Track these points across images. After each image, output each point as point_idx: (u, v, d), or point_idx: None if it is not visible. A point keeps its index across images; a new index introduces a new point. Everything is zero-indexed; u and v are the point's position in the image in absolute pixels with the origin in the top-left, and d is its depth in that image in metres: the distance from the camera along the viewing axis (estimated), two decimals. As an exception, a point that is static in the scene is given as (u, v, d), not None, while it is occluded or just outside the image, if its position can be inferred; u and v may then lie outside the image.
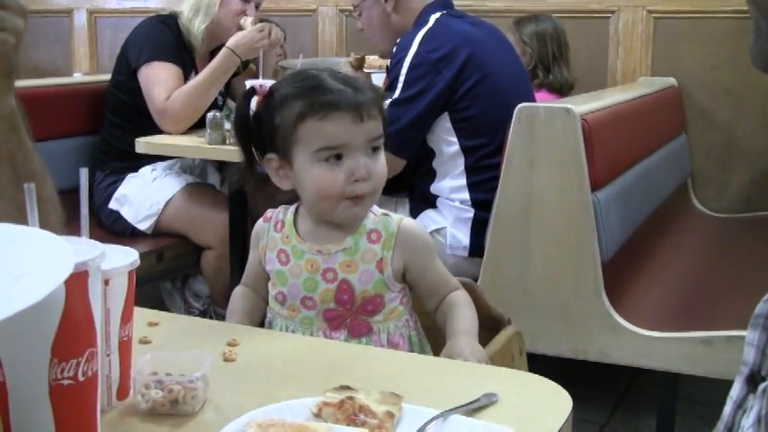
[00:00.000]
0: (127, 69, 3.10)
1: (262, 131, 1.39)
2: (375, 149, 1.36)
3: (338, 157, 1.33)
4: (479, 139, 2.58)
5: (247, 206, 2.85)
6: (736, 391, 0.82)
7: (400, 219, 1.41)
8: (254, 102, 1.44)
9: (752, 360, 0.81)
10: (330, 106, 1.32)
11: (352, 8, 2.92)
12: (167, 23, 3.13)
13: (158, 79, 3.01)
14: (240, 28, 3.11)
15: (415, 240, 1.40)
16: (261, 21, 3.32)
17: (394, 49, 2.65)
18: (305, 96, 1.34)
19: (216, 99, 3.15)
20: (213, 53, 3.17)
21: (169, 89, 2.99)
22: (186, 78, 3.11)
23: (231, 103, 3.41)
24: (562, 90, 3.43)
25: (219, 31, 3.14)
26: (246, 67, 3.38)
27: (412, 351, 1.41)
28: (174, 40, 3.11)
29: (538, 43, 3.39)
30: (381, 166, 1.37)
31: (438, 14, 2.65)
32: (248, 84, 2.88)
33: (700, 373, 2.30)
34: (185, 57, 3.15)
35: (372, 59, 3.11)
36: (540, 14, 3.50)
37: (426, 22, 2.63)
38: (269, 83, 1.43)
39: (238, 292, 1.51)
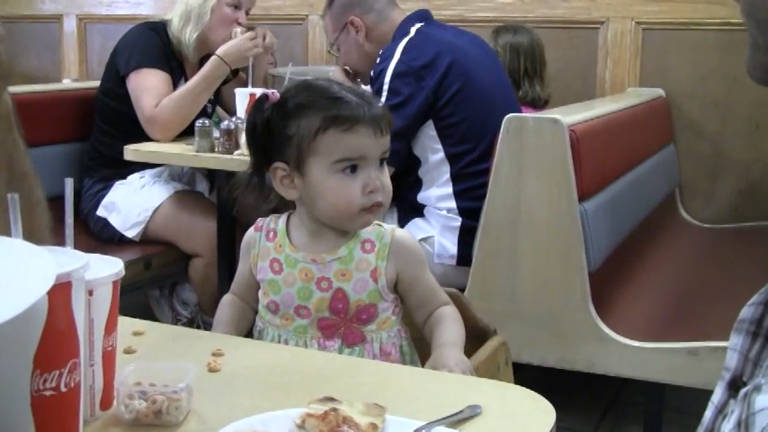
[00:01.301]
0: (116, 76, 3.10)
1: (272, 140, 1.40)
2: (382, 162, 1.40)
3: (353, 168, 1.35)
4: (464, 146, 2.60)
5: (236, 214, 2.85)
6: (717, 396, 0.82)
7: (393, 229, 1.43)
8: (241, 102, 1.45)
9: (734, 365, 0.81)
10: (354, 119, 1.34)
11: (329, 47, 3.00)
12: (157, 31, 3.13)
13: (147, 86, 3.01)
14: (232, 38, 3.11)
15: (408, 251, 1.42)
16: (250, 29, 3.32)
17: (377, 60, 2.67)
18: (325, 108, 1.35)
19: (205, 107, 3.14)
20: (203, 61, 3.18)
21: (158, 96, 2.99)
22: (175, 86, 3.11)
23: (220, 111, 3.41)
24: (535, 105, 3.40)
25: (211, 40, 3.14)
26: (236, 74, 3.38)
27: (403, 361, 1.42)
28: (164, 47, 3.11)
29: (510, 55, 3.32)
30: (388, 176, 1.41)
31: (418, 25, 2.68)
32: (240, 92, 2.89)
33: (686, 384, 2.30)
34: (174, 64, 3.15)
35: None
36: (519, 26, 3.44)
37: (408, 32, 2.67)
38: (277, 94, 1.42)
39: (226, 300, 1.51)
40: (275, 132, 1.39)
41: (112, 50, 3.18)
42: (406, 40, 2.63)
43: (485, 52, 2.83)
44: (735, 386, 0.80)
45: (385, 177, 1.39)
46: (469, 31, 2.90)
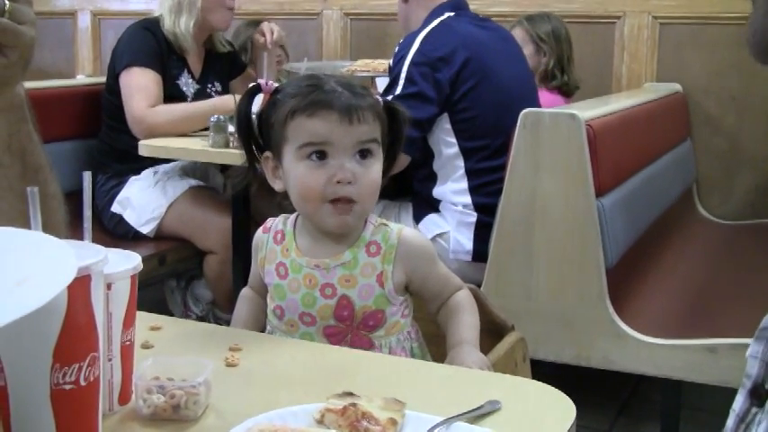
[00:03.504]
0: (114, 74, 3.12)
1: (261, 130, 1.39)
2: (366, 155, 1.33)
3: (323, 156, 1.30)
4: (479, 141, 2.60)
5: (250, 210, 2.85)
6: (738, 403, 0.81)
7: (400, 229, 1.38)
8: (257, 99, 1.43)
9: (755, 373, 0.80)
10: (319, 104, 1.30)
11: None
12: (151, 28, 3.13)
13: (138, 85, 3.02)
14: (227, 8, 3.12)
15: (417, 251, 1.37)
16: (257, 23, 3.34)
17: (396, 49, 2.67)
18: (300, 95, 1.33)
19: (213, 97, 3.18)
20: (205, 44, 3.24)
21: (149, 97, 3.00)
22: (176, 78, 3.12)
23: None
24: (570, 92, 3.41)
25: (209, 22, 3.16)
26: (244, 69, 3.40)
27: None
28: (158, 45, 3.10)
29: (556, 43, 3.33)
30: (373, 173, 1.33)
31: (445, 16, 2.68)
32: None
33: (704, 381, 2.29)
34: (174, 59, 3.15)
35: (378, 64, 3.12)
36: (549, 14, 3.45)
37: (432, 21, 2.67)
38: (273, 83, 1.42)
39: (244, 294, 1.50)
40: (264, 122, 1.38)
41: (113, 50, 3.20)
42: (427, 29, 2.64)
43: (509, 48, 2.82)
44: (756, 394, 0.80)
45: (366, 171, 1.32)
46: (500, 26, 2.88)
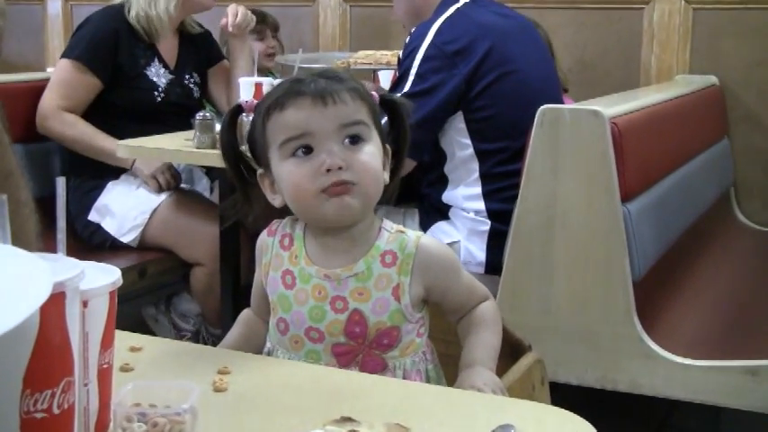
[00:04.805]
0: None
1: (253, 149, 1.39)
2: (355, 140, 1.32)
3: (308, 149, 1.31)
4: (496, 143, 2.59)
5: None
6: None
7: (418, 237, 1.38)
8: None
9: None
10: (291, 94, 1.31)
11: None
12: (114, 16, 3.17)
13: (61, 79, 3.13)
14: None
15: (436, 262, 1.37)
16: (252, 12, 3.34)
17: (407, 39, 2.66)
18: (273, 94, 1.34)
19: (190, 90, 3.25)
20: (178, 29, 3.28)
21: (67, 97, 3.09)
22: (144, 68, 3.14)
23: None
24: None
25: (191, 2, 3.21)
26: (222, 57, 3.41)
27: None
28: (116, 35, 3.13)
29: None
30: (367, 155, 1.32)
31: (461, 3, 2.66)
32: (244, 81, 2.89)
33: (744, 407, 2.29)
34: (140, 47, 3.17)
35: (380, 55, 3.13)
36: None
37: (447, 9, 2.65)
38: (254, 100, 1.42)
39: (241, 318, 1.51)
40: (250, 138, 1.39)
41: None
42: (441, 19, 2.61)
43: (533, 39, 2.81)
44: None
45: (356, 153, 1.31)
46: (520, 14, 2.88)
